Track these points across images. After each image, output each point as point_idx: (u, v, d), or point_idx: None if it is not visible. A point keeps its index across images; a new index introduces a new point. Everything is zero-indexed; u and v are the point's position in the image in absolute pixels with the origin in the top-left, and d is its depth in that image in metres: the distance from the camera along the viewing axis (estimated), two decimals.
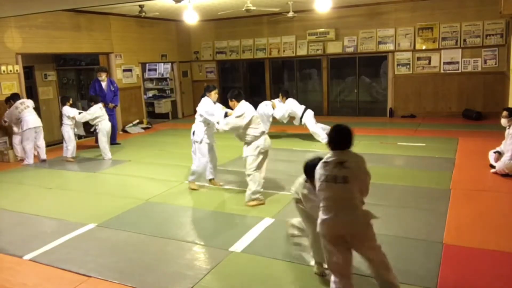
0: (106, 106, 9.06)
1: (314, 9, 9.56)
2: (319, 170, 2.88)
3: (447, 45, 10.67)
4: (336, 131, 2.94)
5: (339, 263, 2.83)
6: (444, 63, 10.78)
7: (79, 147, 9.52)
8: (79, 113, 8.09)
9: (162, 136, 10.44)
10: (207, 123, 5.73)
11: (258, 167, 5.26)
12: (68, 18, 9.70)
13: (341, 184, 2.78)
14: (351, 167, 2.80)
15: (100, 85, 9.16)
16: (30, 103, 8.07)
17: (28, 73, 10.70)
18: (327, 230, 2.83)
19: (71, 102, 8.21)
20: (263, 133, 5.23)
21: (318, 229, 2.89)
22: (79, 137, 11.55)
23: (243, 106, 5.23)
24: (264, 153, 5.27)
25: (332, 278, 2.88)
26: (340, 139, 2.90)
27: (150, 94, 13.58)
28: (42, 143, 8.08)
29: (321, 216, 2.84)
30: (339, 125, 2.98)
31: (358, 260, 3.64)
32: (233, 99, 5.29)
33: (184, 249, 4.15)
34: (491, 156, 6.30)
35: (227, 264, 3.76)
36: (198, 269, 3.68)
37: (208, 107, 5.68)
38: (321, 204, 2.87)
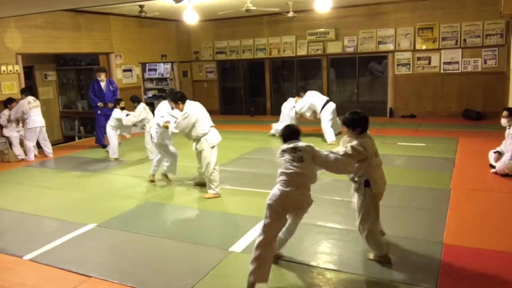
0: (105, 106, 9.08)
1: (314, 9, 9.57)
2: (278, 158, 3.49)
3: (447, 45, 10.67)
4: (285, 129, 3.64)
5: (277, 229, 3.36)
6: (444, 63, 10.78)
7: (80, 146, 9.55)
8: (126, 115, 7.84)
9: None
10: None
11: (215, 162, 5.55)
12: (68, 18, 9.70)
13: (300, 163, 3.35)
14: (303, 149, 3.40)
15: (99, 85, 9.16)
16: (38, 102, 8.41)
17: (28, 73, 10.71)
18: (281, 200, 3.31)
19: (122, 105, 8.06)
20: (212, 127, 5.59)
21: (272, 199, 3.33)
22: (79, 137, 11.61)
23: (188, 107, 5.47)
24: (214, 147, 5.57)
25: (260, 237, 3.28)
26: (288, 133, 3.56)
27: (150, 94, 13.58)
28: (46, 141, 8.49)
29: (280, 187, 3.34)
30: (288, 124, 3.81)
31: (358, 260, 3.65)
32: (179, 102, 5.50)
33: (184, 249, 4.15)
34: (491, 156, 6.30)
35: (227, 264, 3.77)
36: (198, 269, 3.68)
37: (161, 110, 6.02)
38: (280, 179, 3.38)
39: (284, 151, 3.47)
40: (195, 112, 5.46)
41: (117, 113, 7.90)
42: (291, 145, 3.45)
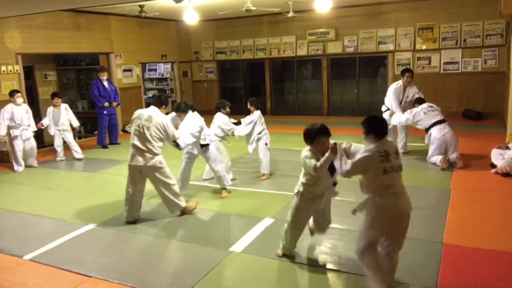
0: (110, 105, 9.10)
1: (314, 9, 9.57)
2: (373, 164, 3.01)
3: (447, 45, 10.67)
4: (374, 122, 3.12)
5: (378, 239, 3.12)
6: (444, 63, 10.78)
7: (80, 146, 9.52)
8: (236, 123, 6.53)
9: None
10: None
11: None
12: (68, 18, 9.70)
13: (399, 172, 3.04)
14: (399, 154, 3.11)
15: (103, 85, 9.17)
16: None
17: (28, 73, 10.71)
18: (387, 211, 3.02)
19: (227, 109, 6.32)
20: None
21: (375, 211, 3.05)
22: (79, 137, 11.60)
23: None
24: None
25: (364, 246, 3.11)
26: (382, 129, 3.09)
27: (150, 94, 13.58)
28: None
29: (381, 199, 3.02)
30: (374, 116, 3.21)
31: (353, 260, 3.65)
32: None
33: (184, 249, 4.15)
34: (494, 154, 6.24)
35: (227, 264, 3.77)
36: (198, 269, 3.68)
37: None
38: (379, 190, 3.04)
39: (387, 154, 3.00)
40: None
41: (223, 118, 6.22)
42: (393, 149, 3.06)
